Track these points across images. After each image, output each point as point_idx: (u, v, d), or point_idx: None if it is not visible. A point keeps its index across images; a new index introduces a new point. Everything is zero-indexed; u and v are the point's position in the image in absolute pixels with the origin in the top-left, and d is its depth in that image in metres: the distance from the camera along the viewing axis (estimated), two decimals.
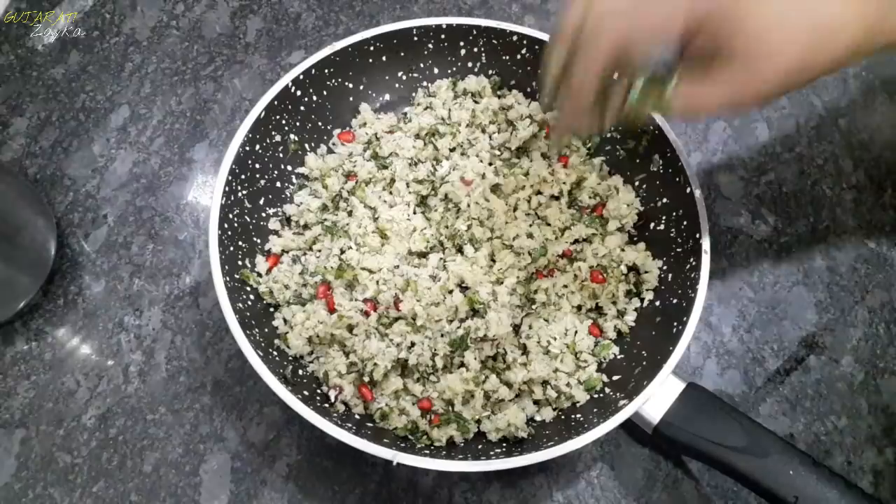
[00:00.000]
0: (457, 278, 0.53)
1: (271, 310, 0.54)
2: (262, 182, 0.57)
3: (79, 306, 0.59)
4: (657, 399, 0.48)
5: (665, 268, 0.55)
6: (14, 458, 0.53)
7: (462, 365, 0.51)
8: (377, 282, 0.53)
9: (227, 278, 0.49)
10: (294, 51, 0.71)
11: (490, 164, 0.59)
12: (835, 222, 0.63)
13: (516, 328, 0.53)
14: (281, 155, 0.58)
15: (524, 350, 0.52)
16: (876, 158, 0.67)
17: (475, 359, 0.51)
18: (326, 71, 0.58)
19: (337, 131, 0.62)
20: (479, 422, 0.50)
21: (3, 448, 0.54)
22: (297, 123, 0.59)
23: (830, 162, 0.66)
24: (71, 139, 0.66)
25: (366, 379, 0.50)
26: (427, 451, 0.47)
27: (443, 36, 0.60)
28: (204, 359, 0.57)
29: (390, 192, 0.58)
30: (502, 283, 0.53)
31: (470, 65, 0.62)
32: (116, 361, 0.57)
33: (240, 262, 0.53)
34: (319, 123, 0.60)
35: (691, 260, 0.52)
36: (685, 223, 0.54)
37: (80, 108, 0.68)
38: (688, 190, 0.53)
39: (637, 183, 0.59)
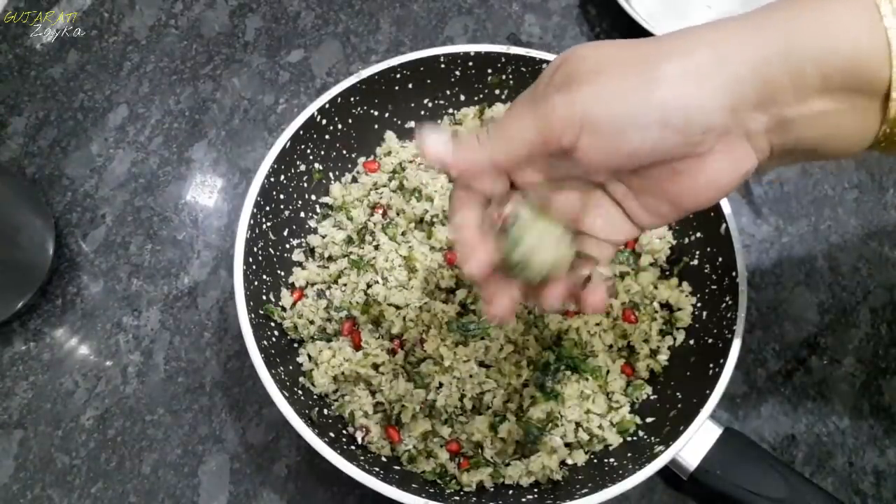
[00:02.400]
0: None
1: (295, 345, 0.53)
2: (287, 213, 0.56)
3: (77, 307, 0.59)
4: (693, 445, 0.47)
5: (699, 305, 0.54)
6: (12, 458, 0.53)
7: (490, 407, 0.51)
8: (404, 318, 0.52)
9: (252, 315, 0.48)
10: (293, 49, 0.71)
11: None
12: (836, 222, 0.63)
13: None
14: (305, 185, 0.57)
15: (552, 391, 0.51)
16: (878, 158, 0.66)
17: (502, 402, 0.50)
18: (352, 99, 0.57)
19: (362, 159, 0.61)
20: (508, 465, 0.49)
21: (2, 449, 0.54)
22: (322, 152, 0.58)
23: (832, 161, 0.66)
24: (69, 139, 0.66)
25: (392, 420, 0.50)
26: (457, 498, 0.46)
27: (470, 63, 0.59)
28: (203, 359, 0.57)
29: (421, 231, 0.57)
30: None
31: (497, 92, 0.61)
32: (115, 362, 0.57)
33: (264, 297, 0.52)
34: (344, 152, 0.60)
35: (727, 299, 0.50)
36: (720, 259, 0.52)
37: (78, 108, 0.68)
38: (723, 226, 0.52)
39: None
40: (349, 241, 0.56)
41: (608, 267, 0.37)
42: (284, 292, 0.54)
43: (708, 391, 0.47)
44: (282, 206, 0.55)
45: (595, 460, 0.50)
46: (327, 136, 0.58)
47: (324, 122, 0.57)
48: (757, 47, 0.31)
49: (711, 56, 0.31)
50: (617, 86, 0.31)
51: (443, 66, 0.59)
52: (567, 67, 0.33)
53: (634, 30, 0.66)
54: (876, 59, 0.30)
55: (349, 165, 0.61)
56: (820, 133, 0.33)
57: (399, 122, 0.61)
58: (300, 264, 0.57)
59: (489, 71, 0.59)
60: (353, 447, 0.49)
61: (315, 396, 0.51)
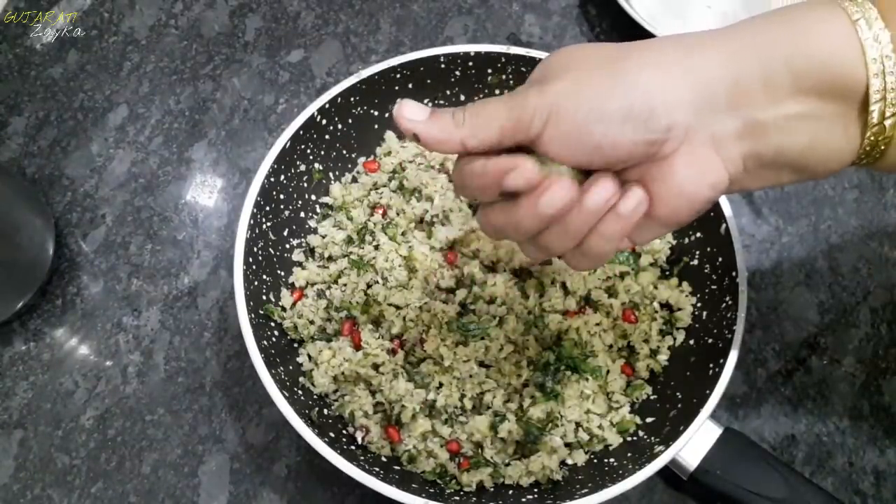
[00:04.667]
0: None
1: (295, 345, 0.53)
2: (287, 213, 0.56)
3: (77, 307, 0.59)
4: (693, 445, 0.47)
5: (699, 305, 0.54)
6: (12, 458, 0.53)
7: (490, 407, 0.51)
8: (404, 318, 0.52)
9: (252, 315, 0.49)
10: (293, 49, 0.71)
11: None
12: (836, 222, 0.63)
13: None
14: (305, 185, 0.57)
15: (552, 391, 0.51)
16: None
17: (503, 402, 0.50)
18: (352, 99, 0.57)
19: (362, 160, 0.61)
20: (508, 465, 0.49)
21: (2, 449, 0.54)
22: (322, 152, 0.58)
23: None
24: (69, 139, 0.66)
25: (392, 420, 0.50)
26: (457, 498, 0.46)
27: (470, 63, 0.59)
28: (203, 359, 0.57)
29: (421, 230, 0.57)
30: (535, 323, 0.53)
31: (497, 92, 0.61)
32: (115, 362, 0.57)
33: (264, 297, 0.52)
34: (344, 152, 0.59)
35: (727, 299, 0.51)
36: (720, 259, 0.52)
37: (78, 108, 0.68)
38: (723, 226, 0.52)
39: None
40: (349, 241, 0.56)
41: None
42: (284, 292, 0.54)
43: (708, 391, 0.47)
44: (282, 206, 0.55)
45: (595, 460, 0.50)
46: (327, 136, 0.57)
47: (324, 122, 0.56)
48: (727, 48, 0.31)
49: (680, 54, 0.31)
50: (584, 78, 0.32)
51: (443, 66, 0.59)
52: (545, 66, 0.33)
53: (634, 30, 0.66)
54: (851, 65, 0.30)
55: (349, 165, 0.61)
56: (800, 142, 0.32)
57: None
58: (300, 264, 0.56)
59: (489, 71, 0.59)
60: (353, 447, 0.49)
61: (315, 396, 0.51)
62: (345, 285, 0.55)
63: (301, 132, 0.55)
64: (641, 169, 0.33)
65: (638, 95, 0.31)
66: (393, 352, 0.52)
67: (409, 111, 0.33)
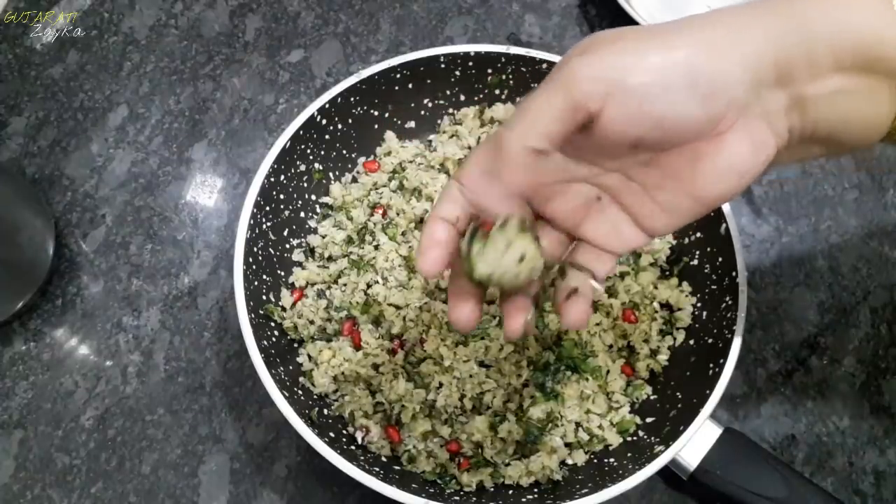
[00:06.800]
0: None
1: (295, 345, 0.53)
2: (287, 213, 0.56)
3: (77, 307, 0.59)
4: (694, 445, 0.47)
5: (699, 305, 0.54)
6: (12, 458, 0.53)
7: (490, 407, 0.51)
8: (404, 318, 0.52)
9: (252, 315, 0.49)
10: (293, 49, 0.71)
11: None
12: (836, 222, 0.63)
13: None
14: (305, 185, 0.57)
15: (552, 391, 0.51)
16: (878, 158, 0.66)
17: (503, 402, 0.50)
18: (352, 99, 0.57)
19: (362, 159, 0.61)
20: (508, 465, 0.49)
21: (2, 449, 0.54)
22: (322, 152, 0.58)
23: (832, 161, 0.66)
24: (69, 139, 0.66)
25: (392, 420, 0.50)
26: (457, 498, 0.46)
27: (470, 63, 0.59)
28: (202, 359, 0.57)
29: (421, 230, 0.57)
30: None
31: (497, 92, 0.61)
32: (115, 362, 0.57)
33: (264, 297, 0.52)
34: (344, 152, 0.60)
35: (727, 299, 0.51)
36: (720, 259, 0.52)
37: (78, 108, 0.68)
38: (723, 226, 0.52)
39: None
40: (349, 241, 0.56)
41: (603, 283, 0.35)
42: (284, 292, 0.54)
43: (708, 391, 0.47)
44: (282, 206, 0.55)
45: (595, 460, 0.50)
46: (327, 136, 0.57)
47: (324, 122, 0.56)
48: (770, 26, 0.31)
49: (727, 32, 0.31)
50: (639, 48, 0.30)
51: (443, 66, 0.59)
52: (583, 43, 0.32)
53: None
54: (887, 42, 0.30)
55: (349, 165, 0.61)
56: (838, 116, 0.32)
57: (399, 122, 0.61)
58: (300, 264, 0.57)
59: (489, 71, 0.59)
60: (353, 447, 0.49)
61: (315, 396, 0.51)
62: (345, 285, 0.55)
63: (301, 132, 0.55)
64: (689, 149, 0.32)
65: (696, 70, 0.30)
66: (393, 352, 0.52)
67: (444, 210, 0.33)
